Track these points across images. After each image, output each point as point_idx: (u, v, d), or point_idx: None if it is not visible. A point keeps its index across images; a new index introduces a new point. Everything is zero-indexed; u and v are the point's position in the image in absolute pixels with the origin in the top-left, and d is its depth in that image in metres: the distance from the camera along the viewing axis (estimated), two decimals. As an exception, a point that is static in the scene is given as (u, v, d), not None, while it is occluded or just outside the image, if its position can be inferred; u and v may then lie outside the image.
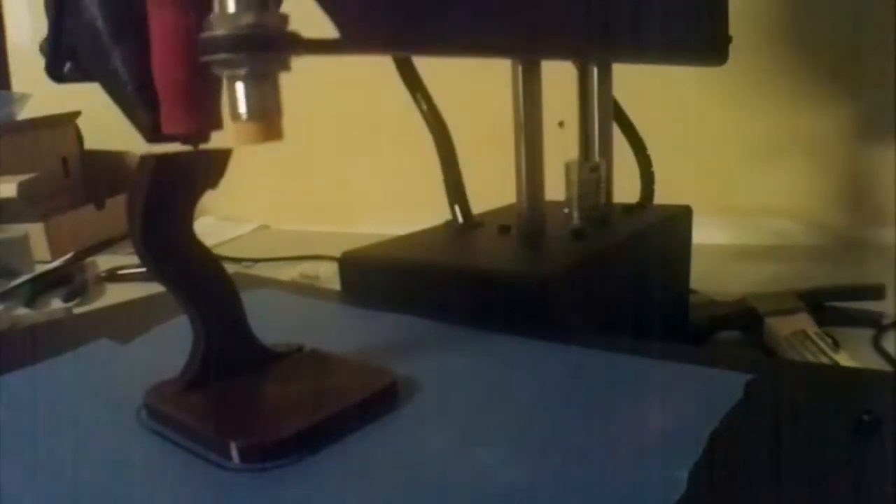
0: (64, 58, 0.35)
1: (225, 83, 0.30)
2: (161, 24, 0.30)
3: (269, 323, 0.38)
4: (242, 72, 0.29)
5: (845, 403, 0.32)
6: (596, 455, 0.29)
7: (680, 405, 0.33)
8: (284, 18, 0.30)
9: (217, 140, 0.33)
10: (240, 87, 0.29)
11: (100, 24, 0.32)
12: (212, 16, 0.29)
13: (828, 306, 0.73)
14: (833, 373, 0.46)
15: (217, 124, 0.32)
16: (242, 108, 0.30)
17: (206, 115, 0.32)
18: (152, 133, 0.32)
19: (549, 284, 0.46)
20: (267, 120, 0.30)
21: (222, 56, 0.29)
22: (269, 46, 0.29)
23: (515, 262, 0.53)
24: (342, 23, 0.34)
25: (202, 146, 0.33)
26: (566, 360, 0.39)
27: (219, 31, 0.28)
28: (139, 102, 0.32)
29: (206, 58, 0.29)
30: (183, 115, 0.31)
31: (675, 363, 0.37)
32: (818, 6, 1.06)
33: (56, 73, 0.35)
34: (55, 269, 1.08)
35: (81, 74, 0.35)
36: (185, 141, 0.33)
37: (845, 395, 0.34)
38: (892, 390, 0.35)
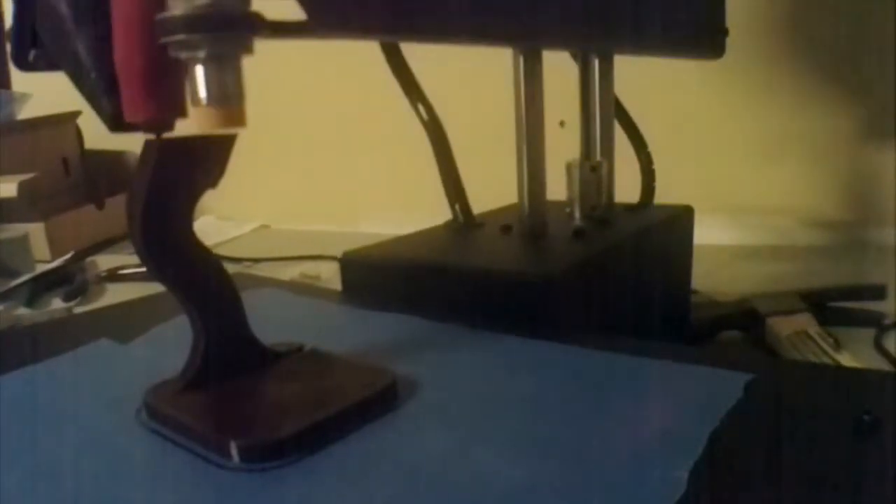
0: (28, 45, 0.34)
1: (185, 67, 0.29)
2: (120, 5, 0.29)
3: (270, 323, 0.38)
4: (201, 54, 0.28)
5: (845, 403, 0.32)
6: (596, 455, 0.29)
7: (680, 405, 0.33)
8: None
9: (181, 128, 0.32)
10: (199, 70, 0.28)
11: (62, 7, 0.31)
12: None
13: (829, 306, 0.73)
14: (833, 373, 0.46)
15: (182, 111, 0.31)
16: (202, 92, 0.29)
17: (167, 101, 0.31)
18: (114, 122, 0.31)
19: (552, 284, 0.46)
20: (228, 105, 0.29)
21: (179, 37, 0.28)
22: (228, 27, 0.28)
23: (518, 263, 0.53)
24: (308, 3, 0.33)
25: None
26: (566, 360, 0.39)
27: (176, 10, 0.27)
28: (101, 89, 0.31)
29: (163, 39, 0.28)
30: (143, 102, 0.30)
31: (675, 363, 0.37)
32: (820, 5, 1.06)
33: (21, 61, 0.34)
34: (55, 269, 1.08)
35: (46, 62, 0.34)
36: (147, 129, 0.31)
37: (845, 395, 0.34)
38: (892, 390, 0.35)
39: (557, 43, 0.58)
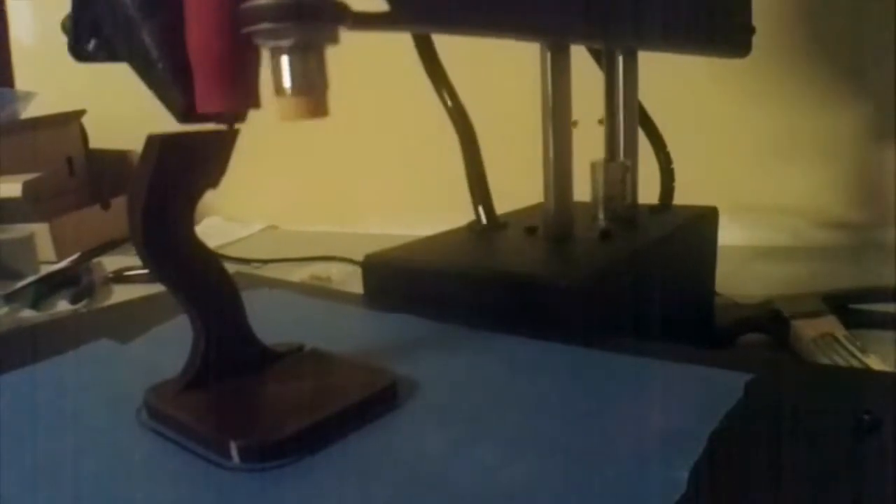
0: (87, 35, 0.33)
1: (268, 56, 0.29)
2: None
3: (270, 322, 0.38)
4: (288, 43, 0.28)
5: (845, 403, 0.32)
6: (596, 455, 0.29)
7: (680, 405, 0.33)
8: None
9: (254, 118, 0.32)
10: (284, 59, 0.28)
11: None
12: None
13: (850, 308, 0.72)
14: (833, 373, 0.46)
15: (255, 102, 0.31)
16: (287, 81, 0.28)
17: (244, 91, 0.30)
18: (185, 114, 0.31)
19: (584, 288, 0.46)
20: (313, 95, 0.29)
21: (266, 26, 0.27)
22: (316, 16, 0.28)
23: (549, 267, 0.52)
24: None
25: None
26: (566, 360, 0.39)
27: None
28: (171, 80, 0.30)
29: (248, 28, 0.28)
30: (220, 92, 0.30)
31: (675, 363, 0.37)
32: (835, 5, 1.05)
33: (79, 51, 0.33)
34: (61, 271, 1.08)
35: (106, 53, 0.33)
36: (220, 120, 0.31)
37: (845, 395, 0.34)
38: (892, 390, 0.35)
39: (585, 38, 0.57)
